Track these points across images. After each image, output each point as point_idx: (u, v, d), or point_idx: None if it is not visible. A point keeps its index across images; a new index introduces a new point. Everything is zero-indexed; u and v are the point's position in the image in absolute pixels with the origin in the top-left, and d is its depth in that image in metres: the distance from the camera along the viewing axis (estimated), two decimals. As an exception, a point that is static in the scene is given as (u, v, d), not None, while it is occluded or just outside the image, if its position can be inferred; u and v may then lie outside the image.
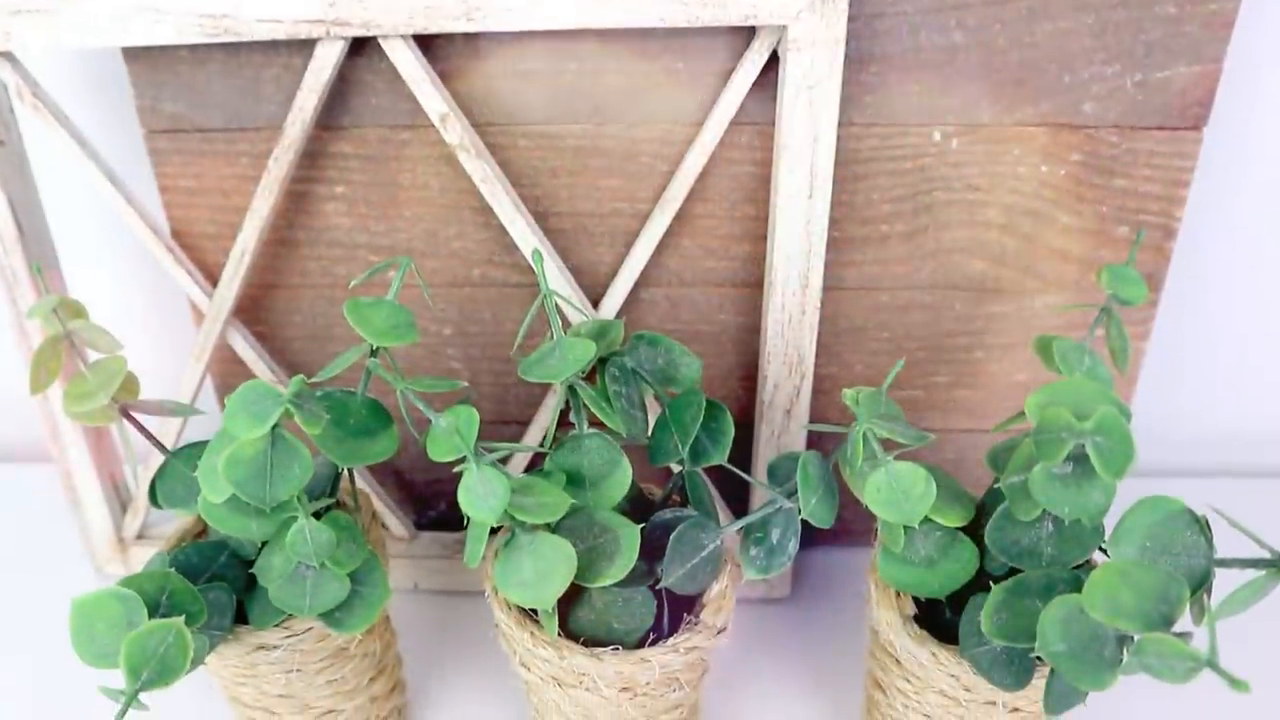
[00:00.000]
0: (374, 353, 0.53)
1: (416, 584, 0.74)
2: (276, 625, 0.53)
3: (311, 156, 0.62)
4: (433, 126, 0.60)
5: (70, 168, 0.62)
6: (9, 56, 0.59)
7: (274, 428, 0.47)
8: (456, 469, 0.46)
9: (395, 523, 0.72)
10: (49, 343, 0.54)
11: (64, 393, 0.54)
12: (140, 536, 0.74)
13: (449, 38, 0.58)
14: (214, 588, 0.52)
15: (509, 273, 0.65)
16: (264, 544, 0.52)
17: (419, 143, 0.61)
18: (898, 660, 0.54)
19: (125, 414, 0.54)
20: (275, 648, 0.53)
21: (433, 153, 0.62)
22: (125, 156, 0.66)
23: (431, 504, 0.75)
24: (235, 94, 0.60)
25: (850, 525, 0.76)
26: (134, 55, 0.60)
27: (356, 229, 0.64)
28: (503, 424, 0.70)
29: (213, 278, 0.66)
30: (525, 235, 0.61)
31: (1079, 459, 0.43)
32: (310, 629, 0.53)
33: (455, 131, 0.58)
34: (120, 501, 0.73)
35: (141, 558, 0.74)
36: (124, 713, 0.43)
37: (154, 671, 0.44)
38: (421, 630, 0.71)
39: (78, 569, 0.75)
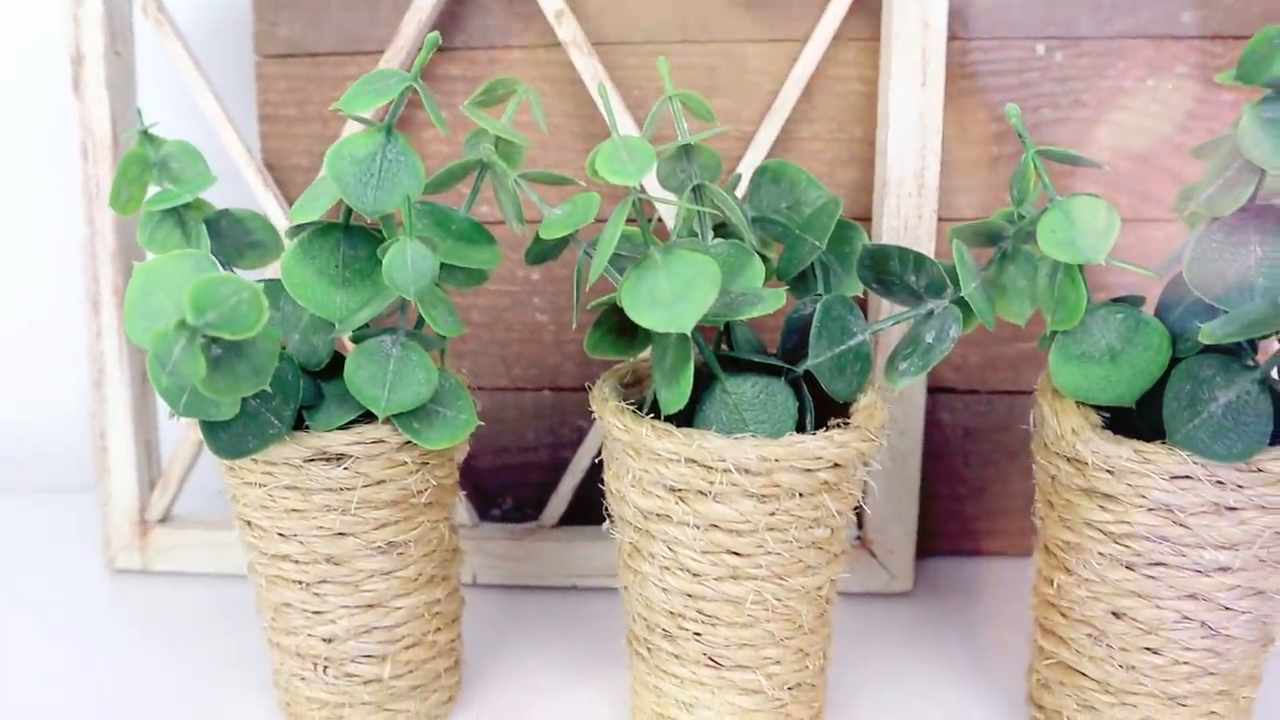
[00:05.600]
0: (480, 175, 0.50)
1: (475, 576, 0.63)
2: (343, 427, 0.45)
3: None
4: (543, 46, 0.61)
5: (172, 87, 0.62)
6: (140, -31, 0.61)
7: (389, 129, 0.43)
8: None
9: (459, 508, 0.63)
10: (134, 158, 0.50)
11: (146, 204, 0.50)
12: (164, 520, 0.64)
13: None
14: (284, 357, 0.44)
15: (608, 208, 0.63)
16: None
17: (528, 63, 0.62)
18: (1089, 491, 0.44)
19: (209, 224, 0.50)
20: (336, 459, 0.44)
21: (540, 74, 0.62)
22: (224, 84, 0.66)
23: (497, 500, 0.66)
24: (352, 16, 0.62)
25: (972, 523, 0.66)
26: (260, -25, 0.63)
27: (454, 157, 0.63)
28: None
29: (299, 210, 0.63)
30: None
31: (1292, 97, 0.39)
32: (380, 440, 0.45)
33: (570, 27, 0.59)
34: (150, 476, 0.64)
35: (161, 546, 0.64)
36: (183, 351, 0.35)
37: (221, 316, 0.36)
38: (480, 624, 0.59)
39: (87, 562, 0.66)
